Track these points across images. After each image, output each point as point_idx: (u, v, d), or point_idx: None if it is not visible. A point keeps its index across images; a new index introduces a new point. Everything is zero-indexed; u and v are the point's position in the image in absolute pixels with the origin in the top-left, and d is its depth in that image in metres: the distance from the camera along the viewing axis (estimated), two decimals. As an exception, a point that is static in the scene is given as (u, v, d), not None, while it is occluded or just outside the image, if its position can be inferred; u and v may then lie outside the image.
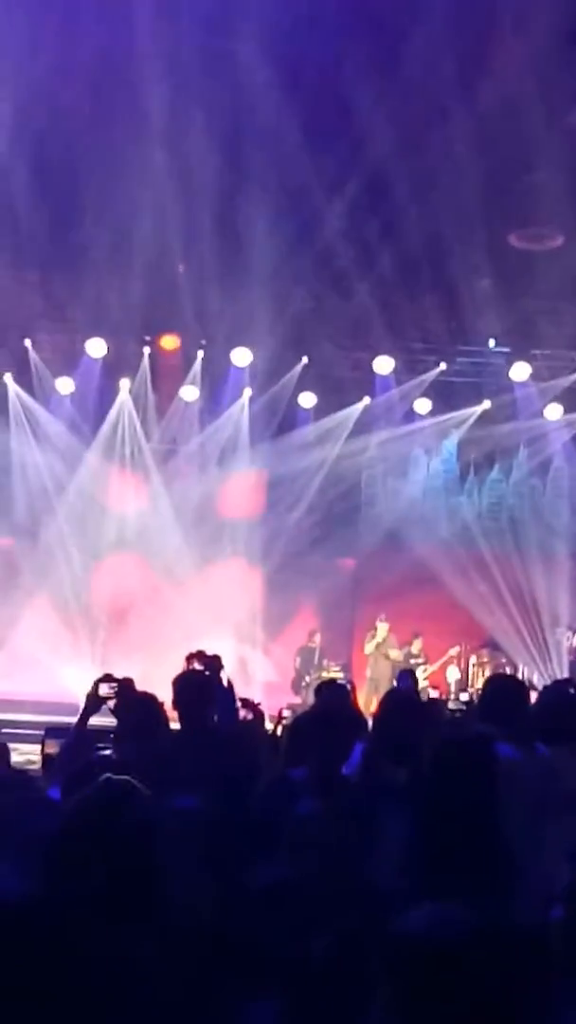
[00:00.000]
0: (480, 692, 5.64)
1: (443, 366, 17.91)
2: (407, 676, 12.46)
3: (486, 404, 18.41)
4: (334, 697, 7.41)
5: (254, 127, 12.96)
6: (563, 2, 11.55)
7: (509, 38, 12.10)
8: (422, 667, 17.01)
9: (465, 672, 17.44)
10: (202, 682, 5.90)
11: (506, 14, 11.87)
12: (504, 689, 5.55)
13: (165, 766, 5.02)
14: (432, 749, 4.12)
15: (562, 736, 5.20)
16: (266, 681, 17.05)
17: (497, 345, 17.85)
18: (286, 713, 10.82)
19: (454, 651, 17.62)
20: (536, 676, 17.72)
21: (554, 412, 18.14)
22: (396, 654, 17.21)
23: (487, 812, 3.85)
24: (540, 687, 14.50)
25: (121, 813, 2.88)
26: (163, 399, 18.36)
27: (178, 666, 6.12)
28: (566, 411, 18.13)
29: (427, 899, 3.23)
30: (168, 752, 5.36)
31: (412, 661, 17.04)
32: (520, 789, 3.97)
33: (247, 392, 18.08)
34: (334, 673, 16.25)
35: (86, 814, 2.94)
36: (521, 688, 5.50)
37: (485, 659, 17.83)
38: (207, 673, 6.02)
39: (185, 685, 5.78)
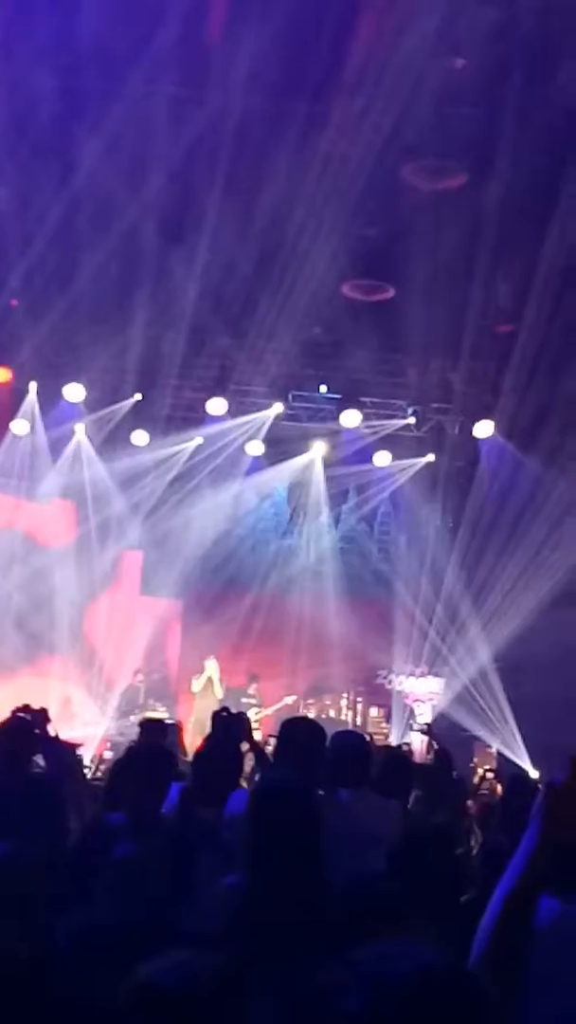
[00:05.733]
0: (277, 736, 5.67)
1: (280, 408, 18.09)
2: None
3: (319, 449, 18.68)
4: (153, 737, 7.39)
5: (94, 166, 12.96)
6: (402, 60, 11.92)
7: (346, 93, 12.43)
8: (255, 709, 17.01)
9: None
10: (26, 730, 5.87)
11: (344, 71, 12.19)
12: (299, 732, 5.59)
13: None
14: (251, 796, 4.14)
15: (356, 780, 5.35)
16: (89, 719, 16.82)
17: (328, 392, 18.16)
18: (107, 754, 10.74)
19: (290, 699, 17.68)
20: (362, 722, 18.03)
21: (382, 459, 18.52)
22: (221, 693, 17.20)
23: (310, 859, 3.89)
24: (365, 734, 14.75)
25: None
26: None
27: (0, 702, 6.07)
28: (394, 458, 18.54)
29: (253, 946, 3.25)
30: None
31: (244, 701, 17.02)
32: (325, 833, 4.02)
33: (80, 427, 17.93)
34: (159, 713, 16.14)
35: None
36: (317, 730, 5.55)
37: (311, 703, 18.02)
38: (33, 724, 5.98)
39: (8, 732, 5.77)
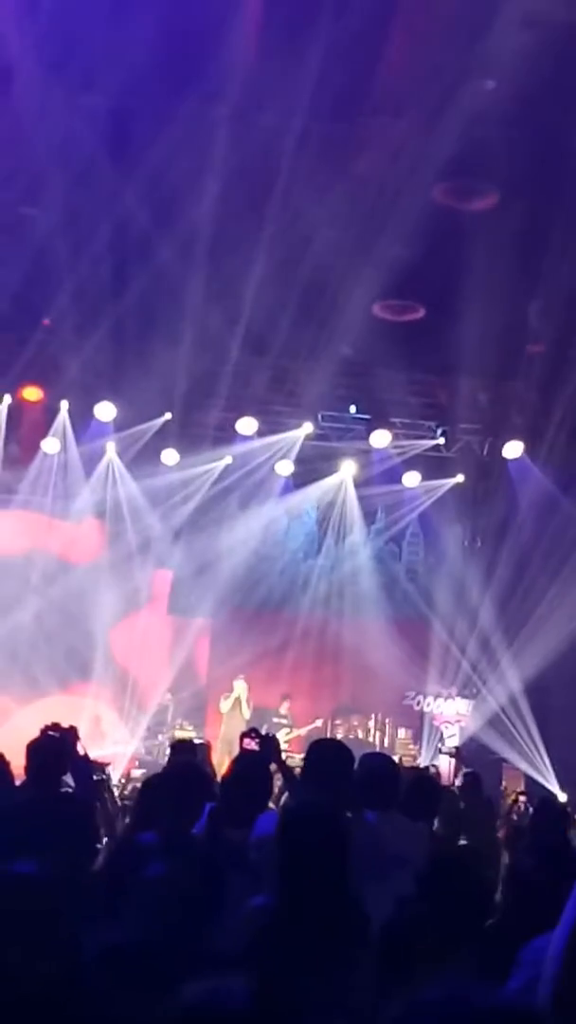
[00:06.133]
0: (304, 757, 5.66)
1: (310, 428, 18.09)
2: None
3: (349, 469, 18.67)
4: (186, 757, 7.40)
5: (129, 189, 13.08)
6: (435, 82, 11.96)
7: (379, 116, 12.48)
8: (286, 729, 16.94)
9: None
10: (56, 748, 5.87)
11: (376, 93, 12.25)
12: (327, 754, 5.58)
13: (7, 825, 4.97)
14: (282, 819, 4.15)
15: (384, 802, 5.34)
16: (118, 738, 16.85)
17: (358, 412, 18.17)
18: (135, 773, 10.74)
19: (319, 722, 17.64)
20: (389, 743, 17.95)
21: (411, 479, 18.51)
22: (248, 713, 17.15)
23: (339, 880, 3.90)
24: (396, 756, 14.71)
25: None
26: (25, 450, 18.13)
27: (31, 721, 6.09)
28: (423, 479, 18.51)
29: (280, 966, 3.25)
30: (11, 811, 5.31)
31: (275, 721, 16.98)
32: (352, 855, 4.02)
33: (111, 446, 18.00)
34: (187, 732, 16.14)
35: None
36: (344, 752, 5.54)
37: (339, 724, 17.98)
38: (62, 743, 5.99)
39: (38, 750, 5.78)
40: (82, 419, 17.77)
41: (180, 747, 8.26)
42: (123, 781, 12.41)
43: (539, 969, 3.85)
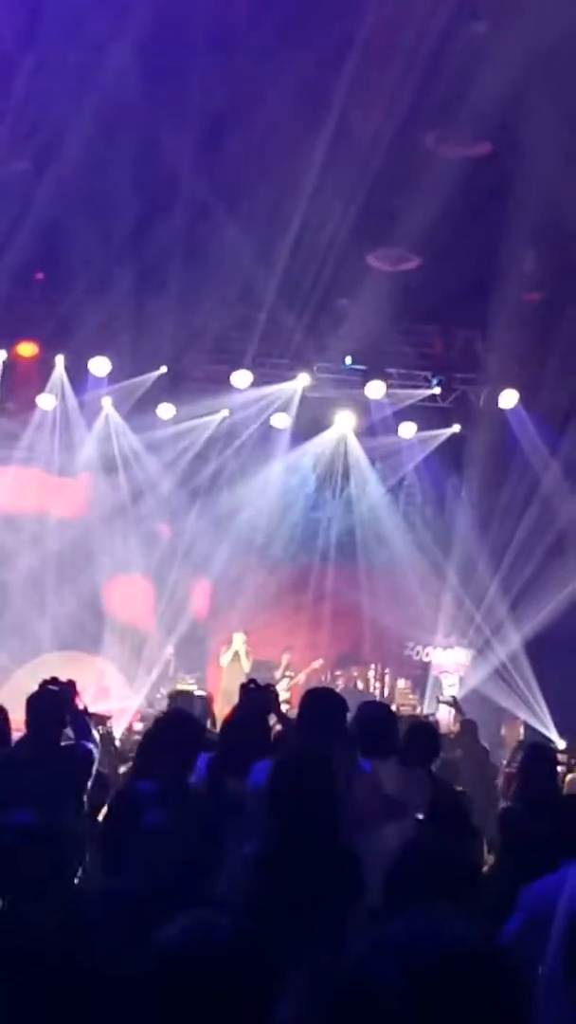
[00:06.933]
0: (299, 705, 5.71)
1: (307, 380, 17.96)
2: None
3: (346, 420, 18.60)
4: (183, 707, 7.47)
5: (115, 138, 12.99)
6: (421, 32, 11.85)
7: (371, 62, 12.36)
8: (287, 680, 16.97)
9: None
10: (55, 701, 5.93)
11: (368, 40, 12.13)
12: (320, 703, 5.62)
13: (6, 777, 5.03)
14: (273, 767, 4.19)
15: (381, 750, 5.39)
16: (121, 693, 16.95)
17: (353, 363, 18.06)
18: (137, 725, 10.81)
19: (317, 663, 17.70)
20: (389, 693, 18.06)
21: (408, 430, 18.42)
22: (248, 666, 17.22)
23: (329, 824, 3.94)
24: (396, 704, 14.79)
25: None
26: (20, 406, 18.04)
27: (33, 678, 6.15)
28: (419, 429, 18.43)
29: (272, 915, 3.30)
30: (11, 764, 5.37)
31: (277, 673, 17.02)
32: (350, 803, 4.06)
33: (107, 400, 17.91)
34: (188, 685, 16.22)
35: None
36: (338, 701, 5.58)
37: (339, 674, 18.07)
38: (62, 696, 6.04)
39: (38, 702, 5.84)
40: (77, 375, 17.65)
41: (176, 697, 8.33)
42: (126, 734, 12.51)
43: (537, 912, 3.92)
